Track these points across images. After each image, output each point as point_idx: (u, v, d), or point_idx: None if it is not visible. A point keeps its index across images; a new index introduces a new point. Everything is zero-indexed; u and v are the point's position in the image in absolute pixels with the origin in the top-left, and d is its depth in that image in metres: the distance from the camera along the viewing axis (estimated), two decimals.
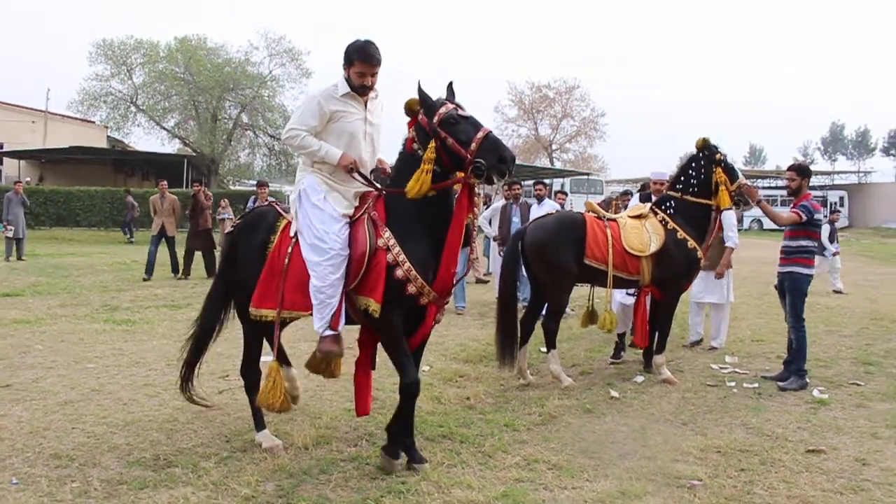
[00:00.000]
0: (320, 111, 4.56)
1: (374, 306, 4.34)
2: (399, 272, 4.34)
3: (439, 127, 4.30)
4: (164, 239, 15.14)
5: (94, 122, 38.91)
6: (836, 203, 46.93)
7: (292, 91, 38.12)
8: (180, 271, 15.01)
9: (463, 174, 4.28)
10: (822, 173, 57.62)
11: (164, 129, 37.18)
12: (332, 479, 4.40)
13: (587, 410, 6.01)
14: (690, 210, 7.03)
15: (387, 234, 4.40)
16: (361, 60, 4.52)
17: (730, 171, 7.07)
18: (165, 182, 16.06)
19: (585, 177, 42.18)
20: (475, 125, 4.29)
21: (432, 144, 4.31)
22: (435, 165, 4.31)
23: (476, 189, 4.54)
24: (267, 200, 12.50)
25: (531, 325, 7.19)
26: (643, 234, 6.85)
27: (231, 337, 8.64)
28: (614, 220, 7.03)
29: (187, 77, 35.20)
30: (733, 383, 6.95)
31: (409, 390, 4.52)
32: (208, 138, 35.15)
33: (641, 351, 7.58)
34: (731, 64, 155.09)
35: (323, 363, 4.73)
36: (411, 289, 4.36)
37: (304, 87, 37.52)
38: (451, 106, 4.35)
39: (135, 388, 6.29)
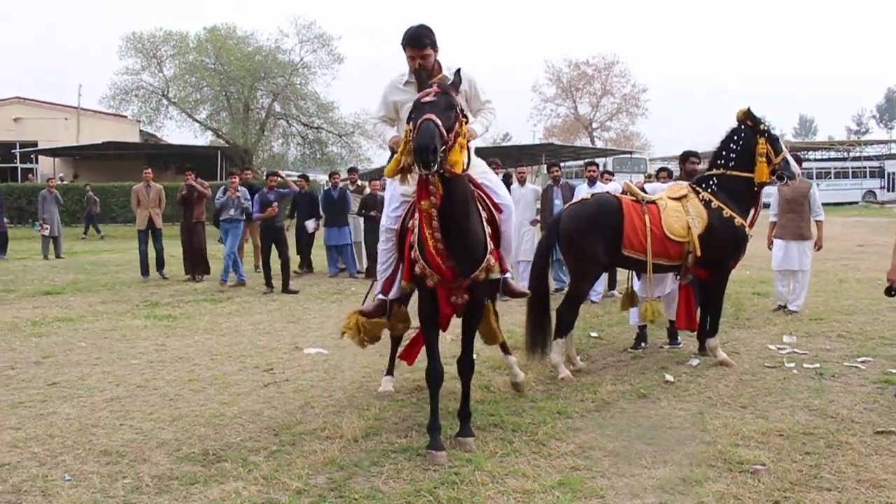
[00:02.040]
0: (384, 102, 5.09)
1: (404, 284, 4.93)
2: (413, 253, 4.73)
3: (410, 113, 4.35)
4: (150, 232, 13.95)
5: (126, 117, 39.54)
6: (894, 174, 45.88)
7: (324, 77, 38.29)
8: (186, 272, 13.80)
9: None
10: (879, 142, 56.24)
11: (196, 121, 37.58)
12: (383, 471, 4.42)
13: (642, 395, 5.96)
14: (735, 185, 6.90)
15: (416, 216, 4.66)
16: (408, 45, 4.84)
17: (774, 143, 6.95)
18: (150, 170, 14.74)
19: (628, 155, 41.73)
20: (421, 112, 4.19)
21: (407, 128, 4.36)
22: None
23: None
24: (237, 193, 12.74)
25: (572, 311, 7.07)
26: (684, 217, 6.68)
27: (273, 330, 8.82)
28: (653, 202, 6.81)
29: (218, 67, 35.47)
30: (793, 364, 6.83)
31: (427, 377, 4.91)
32: (241, 129, 35.40)
33: (695, 333, 7.47)
34: (777, 33, 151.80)
35: (356, 321, 5.41)
36: (417, 269, 4.70)
37: (335, 72, 37.63)
38: (427, 91, 4.33)
39: (180, 384, 6.39)
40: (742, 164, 6.88)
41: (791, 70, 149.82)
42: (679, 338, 7.83)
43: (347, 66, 43.59)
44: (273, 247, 12.24)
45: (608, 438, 4.97)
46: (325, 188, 15.99)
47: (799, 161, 7.55)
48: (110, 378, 6.60)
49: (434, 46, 4.90)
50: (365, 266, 14.36)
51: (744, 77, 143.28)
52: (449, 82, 4.48)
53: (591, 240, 6.54)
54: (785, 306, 9.59)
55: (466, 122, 4.53)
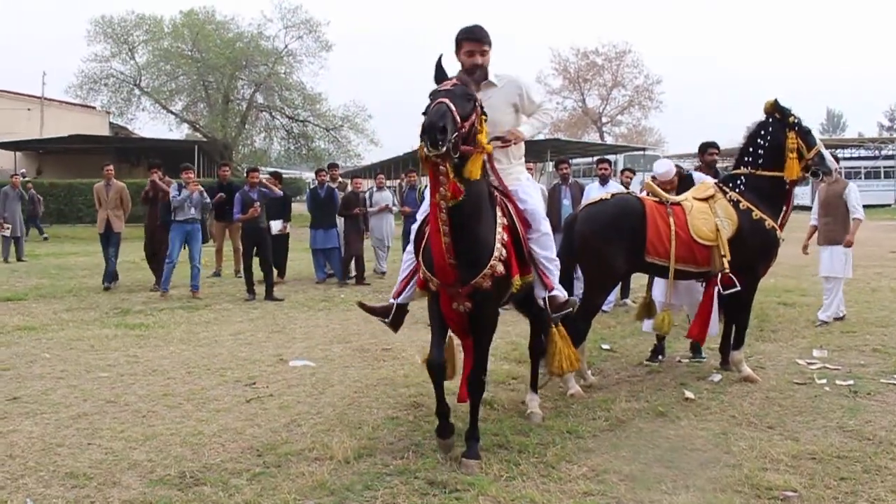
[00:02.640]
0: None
1: (417, 291, 5.20)
2: (419, 257, 4.96)
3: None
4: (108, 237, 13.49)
5: (94, 108, 39.56)
6: None
7: (311, 66, 38.54)
8: (113, 280, 13.47)
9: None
10: None
11: (171, 112, 37.72)
12: (377, 497, 4.38)
13: (660, 414, 5.93)
14: (764, 184, 6.87)
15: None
16: (465, 39, 5.08)
17: (805, 136, 6.91)
18: (111, 166, 14.15)
19: (641, 152, 41.75)
20: (436, 97, 4.33)
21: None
22: None
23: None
24: (197, 187, 12.34)
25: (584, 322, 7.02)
26: (712, 219, 6.65)
27: (255, 340, 8.78)
28: (678, 203, 6.79)
29: (195, 55, 35.58)
30: (824, 380, 6.80)
31: (427, 367, 5.03)
32: (220, 122, 35.50)
33: (717, 347, 7.43)
34: (802, 23, 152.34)
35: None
36: (421, 273, 4.92)
37: (323, 61, 37.84)
38: (445, 84, 4.48)
39: (153, 399, 6.34)
40: (771, 161, 6.84)
41: (819, 62, 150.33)
42: (703, 352, 7.79)
43: (336, 54, 43.54)
44: (256, 250, 12.20)
45: (624, 461, 4.93)
46: (311, 187, 15.96)
47: (836, 160, 7.54)
48: (77, 393, 6.54)
49: (490, 44, 5.17)
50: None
51: (767, 69, 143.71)
52: (470, 79, 4.61)
53: (610, 245, 6.48)
54: (840, 318, 9.63)
55: (486, 120, 4.65)
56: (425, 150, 4.19)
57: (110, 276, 13.35)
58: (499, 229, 4.83)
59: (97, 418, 5.83)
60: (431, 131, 4.10)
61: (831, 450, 5.11)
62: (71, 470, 4.75)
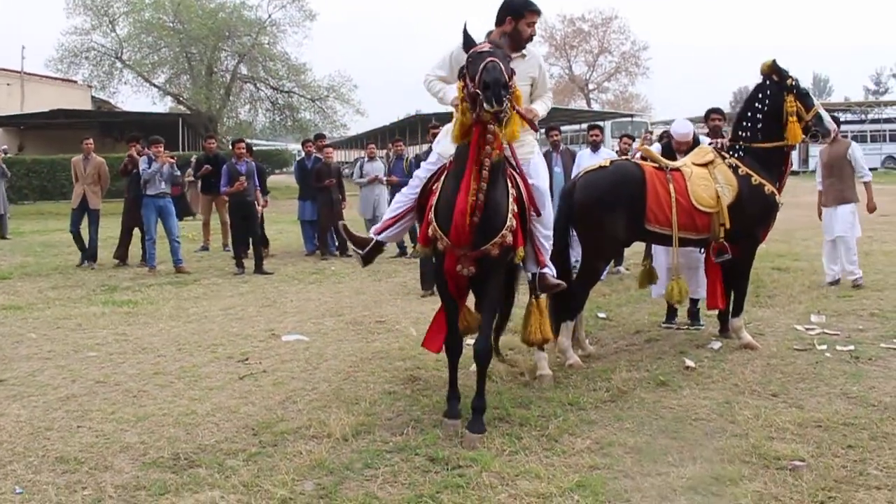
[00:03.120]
0: (450, 63, 5.31)
1: (419, 247, 5.17)
2: (430, 215, 4.94)
3: (465, 68, 4.56)
4: (86, 213, 12.94)
5: (76, 82, 38.96)
6: None
7: (295, 37, 38.08)
8: (113, 255, 13.12)
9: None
10: None
11: (154, 85, 37.13)
12: (378, 475, 4.27)
13: (661, 383, 5.82)
14: (763, 150, 6.76)
15: (442, 179, 4.98)
16: (529, 10, 5.28)
17: (804, 98, 6.78)
18: (91, 140, 13.39)
19: (629, 119, 41.52)
20: (484, 58, 4.39)
21: (459, 85, 4.64)
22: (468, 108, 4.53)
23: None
24: (170, 159, 11.97)
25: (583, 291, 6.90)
26: (712, 185, 6.51)
27: (246, 315, 8.63)
28: (678, 169, 6.64)
29: (177, 26, 34.98)
30: (825, 346, 6.71)
31: (445, 348, 5.19)
32: (204, 94, 34.99)
33: (716, 313, 7.32)
34: None
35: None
36: (430, 231, 4.90)
37: (308, 31, 37.28)
38: (483, 46, 4.56)
39: (144, 378, 6.19)
40: (770, 126, 6.70)
41: (805, 26, 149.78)
42: (702, 319, 7.70)
43: (321, 23, 43.03)
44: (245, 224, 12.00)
45: (628, 433, 4.83)
46: (298, 158, 15.71)
47: (837, 122, 7.41)
48: (65, 373, 6.38)
49: None
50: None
51: (753, 34, 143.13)
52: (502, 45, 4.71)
53: (610, 213, 6.33)
54: (837, 282, 9.62)
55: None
56: (486, 106, 4.27)
57: (89, 255, 12.90)
58: (510, 199, 4.87)
59: (87, 399, 5.67)
60: (496, 87, 4.22)
61: (837, 417, 5.04)
62: (61, 454, 4.60)
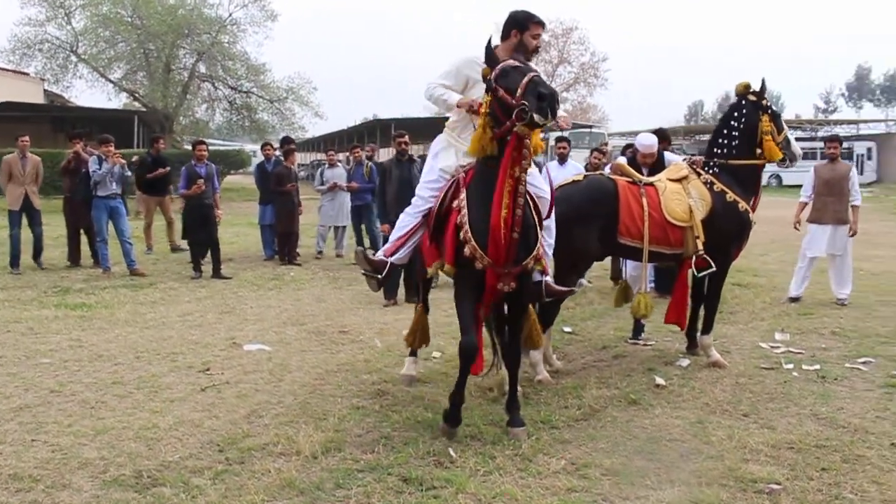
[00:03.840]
0: (456, 74, 5.39)
1: (447, 268, 5.07)
2: (462, 234, 4.90)
3: (495, 81, 4.64)
4: (25, 213, 12.16)
5: (28, 75, 37.91)
6: (863, 155, 46.93)
7: (255, 36, 37.57)
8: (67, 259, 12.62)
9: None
10: (848, 122, 57.52)
11: (109, 81, 36.31)
12: (350, 495, 4.12)
13: (632, 402, 5.76)
14: (738, 167, 6.77)
15: (462, 195, 4.99)
16: (535, 23, 5.30)
17: (776, 120, 6.86)
18: (27, 137, 12.47)
19: (588, 130, 41.74)
20: (523, 72, 4.54)
21: (486, 98, 4.72)
22: (492, 122, 4.69)
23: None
24: (120, 160, 11.61)
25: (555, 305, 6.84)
26: (685, 199, 6.50)
27: (205, 322, 8.40)
28: (651, 184, 6.64)
29: (135, 21, 34.26)
30: (791, 365, 6.73)
31: (462, 351, 4.98)
32: (161, 91, 34.31)
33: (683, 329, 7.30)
34: (741, 3, 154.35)
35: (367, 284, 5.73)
36: (467, 251, 4.85)
37: (268, 31, 36.84)
38: (512, 61, 4.70)
39: (101, 388, 5.95)
40: (745, 144, 6.74)
41: (757, 42, 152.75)
42: (643, 333, 7.71)
43: (282, 24, 42.61)
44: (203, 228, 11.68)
45: (603, 453, 4.75)
46: (259, 161, 15.39)
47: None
48: (17, 381, 6.10)
49: None
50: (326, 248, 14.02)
51: (707, 49, 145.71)
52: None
53: (584, 227, 6.30)
54: (797, 299, 9.74)
55: None
56: (536, 117, 4.36)
57: (37, 252, 12.39)
58: (532, 211, 5.06)
59: (41, 411, 5.41)
60: (552, 100, 4.40)
61: (809, 439, 5.02)
62: (14, 471, 4.35)
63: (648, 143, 7.85)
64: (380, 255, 5.55)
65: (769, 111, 6.77)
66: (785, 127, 6.94)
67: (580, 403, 5.69)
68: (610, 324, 8.46)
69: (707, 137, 59.38)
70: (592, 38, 69.07)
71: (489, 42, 4.90)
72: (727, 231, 6.59)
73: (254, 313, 8.97)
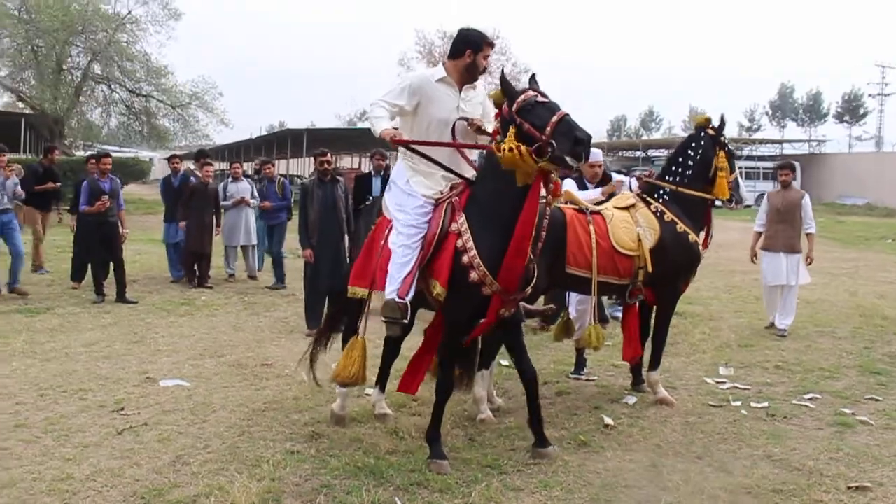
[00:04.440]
0: (409, 93, 5.44)
1: (438, 289, 5.17)
2: (465, 258, 5.07)
3: (517, 114, 4.88)
4: None
5: None
6: None
7: (157, 36, 36.58)
8: None
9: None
10: (772, 142, 59.71)
11: None
12: None
13: (582, 444, 5.81)
14: (688, 198, 6.94)
15: (461, 219, 5.16)
16: (489, 44, 5.55)
17: (730, 158, 7.11)
18: None
19: None
20: (552, 109, 4.82)
21: (511, 131, 4.87)
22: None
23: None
24: (11, 171, 11.26)
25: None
26: (633, 228, 6.60)
27: (113, 353, 8.13)
28: (598, 212, 6.72)
29: (23, 16, 33.19)
30: (738, 402, 6.90)
31: (440, 387, 5.40)
32: (51, 92, 33.25)
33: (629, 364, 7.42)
34: (668, 20, 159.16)
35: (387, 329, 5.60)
36: (474, 276, 5.04)
37: (171, 31, 36.10)
38: (531, 93, 4.94)
39: (3, 432, 5.67)
40: (698, 175, 6.92)
41: (681, 59, 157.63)
42: (585, 368, 7.80)
43: (185, 24, 41.91)
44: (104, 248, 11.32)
45: (559, 502, 4.78)
46: (165, 175, 14.92)
47: None
48: None
49: None
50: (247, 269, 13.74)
51: (631, 67, 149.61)
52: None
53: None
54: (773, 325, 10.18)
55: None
56: (570, 160, 4.71)
57: None
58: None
59: None
60: (587, 146, 4.72)
61: (765, 483, 5.15)
62: None
63: (594, 154, 7.93)
64: (393, 297, 5.34)
65: (725, 148, 6.99)
66: (736, 169, 7.18)
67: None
68: (547, 356, 8.51)
69: (631, 154, 60.62)
70: (514, 49, 69.80)
71: (503, 74, 5.39)
72: (676, 262, 6.72)
73: (166, 343, 8.72)
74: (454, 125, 5.44)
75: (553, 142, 4.67)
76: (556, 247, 6.35)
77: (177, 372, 7.48)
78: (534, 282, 5.36)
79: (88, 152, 20.06)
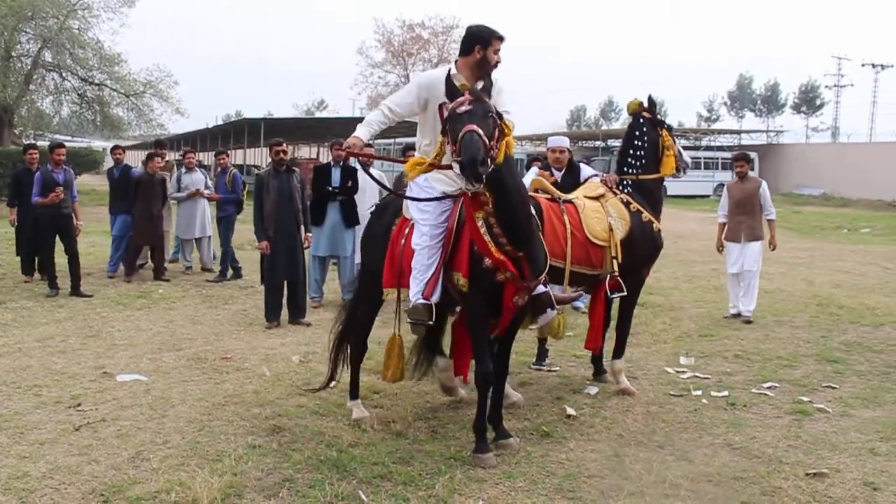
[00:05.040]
0: (416, 90, 5.56)
1: (462, 281, 5.25)
2: (486, 246, 5.07)
3: (445, 124, 4.94)
4: None
5: None
6: None
7: (110, 23, 35.94)
8: None
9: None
10: (730, 132, 60.39)
11: None
12: None
13: (545, 434, 5.86)
14: (648, 185, 7.10)
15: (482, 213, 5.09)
16: (497, 38, 5.49)
17: (670, 132, 7.28)
18: None
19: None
20: (464, 123, 4.68)
21: (440, 140, 5.02)
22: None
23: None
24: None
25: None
26: (605, 218, 6.66)
27: (69, 348, 8.04)
28: (570, 201, 6.76)
29: None
30: (699, 392, 7.01)
31: (481, 379, 5.37)
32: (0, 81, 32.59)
33: (591, 354, 7.50)
34: (627, 9, 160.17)
35: (412, 330, 5.61)
36: (487, 262, 5.09)
37: (125, 18, 35.51)
38: (460, 100, 4.83)
39: None
40: (651, 160, 7.11)
41: (642, 49, 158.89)
42: (546, 359, 7.88)
43: (139, 11, 41.32)
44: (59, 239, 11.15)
45: (523, 492, 4.82)
46: (109, 167, 14.58)
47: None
48: None
49: None
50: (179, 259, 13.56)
51: (590, 55, 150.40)
52: (480, 87, 5.02)
53: None
54: (739, 315, 10.43)
55: (501, 119, 4.94)
56: (465, 186, 4.85)
57: None
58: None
59: None
60: (473, 167, 4.53)
61: (725, 470, 5.25)
62: None
63: (559, 140, 8.33)
64: (419, 299, 5.37)
65: (664, 125, 7.17)
66: (676, 141, 7.39)
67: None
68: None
69: (591, 144, 60.83)
70: None
71: (448, 74, 5.18)
72: (642, 252, 6.83)
73: (123, 337, 8.63)
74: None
75: (462, 161, 4.60)
76: None
77: (134, 366, 7.41)
78: (547, 267, 5.46)
79: (27, 142, 19.47)
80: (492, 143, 4.70)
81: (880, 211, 37.73)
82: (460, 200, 5.37)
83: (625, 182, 7.02)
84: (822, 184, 47.28)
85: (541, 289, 5.50)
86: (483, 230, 5.05)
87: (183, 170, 13.88)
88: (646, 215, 6.85)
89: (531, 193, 6.80)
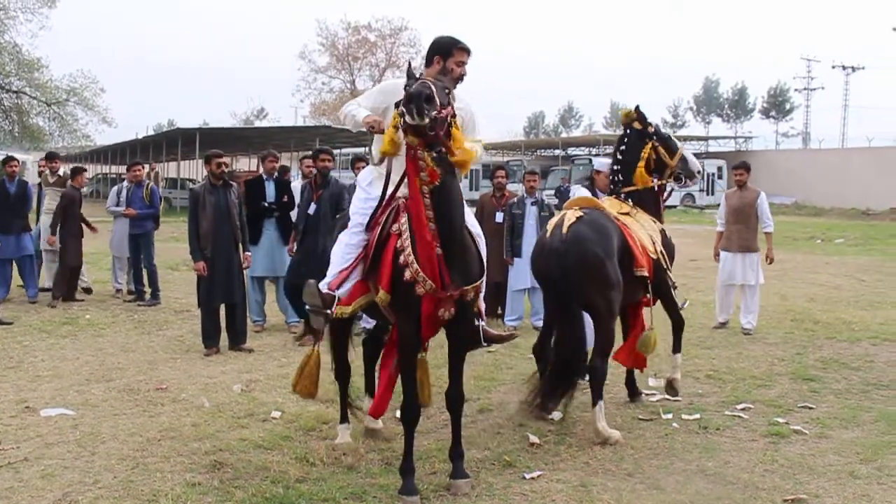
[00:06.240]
0: (378, 94, 5.84)
1: (381, 294, 5.30)
2: (401, 258, 5.19)
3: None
4: None
5: None
6: (713, 174, 50.10)
7: (28, 25, 35.59)
8: None
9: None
10: (697, 138, 61.28)
11: None
12: None
13: (507, 464, 5.88)
14: (645, 195, 7.42)
15: (403, 220, 5.28)
16: (460, 48, 5.62)
17: (666, 142, 7.47)
18: None
19: (587, 160, 42.21)
20: (414, 81, 4.87)
21: (395, 113, 4.98)
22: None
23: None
24: None
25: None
26: (646, 232, 7.04)
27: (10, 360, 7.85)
28: (617, 217, 7.07)
29: None
30: (670, 415, 7.08)
31: (405, 412, 5.43)
32: None
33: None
34: (587, 7, 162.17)
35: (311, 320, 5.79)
36: (407, 274, 5.13)
37: (45, 20, 35.16)
38: (428, 80, 4.89)
39: None
40: (633, 175, 7.41)
41: (602, 49, 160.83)
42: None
43: (61, 12, 40.90)
44: None
45: None
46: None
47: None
48: None
49: None
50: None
51: (546, 59, 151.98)
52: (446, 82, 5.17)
53: (613, 264, 6.55)
54: (724, 324, 11.02)
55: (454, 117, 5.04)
56: (407, 118, 4.67)
57: None
58: (480, 248, 5.47)
59: None
60: (417, 99, 4.59)
61: (699, 499, 5.32)
62: None
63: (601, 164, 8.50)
64: (324, 288, 5.57)
65: (654, 136, 7.36)
66: (680, 146, 7.58)
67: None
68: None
69: (550, 153, 61.38)
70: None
71: (409, 65, 5.31)
72: (669, 256, 7.39)
73: (47, 368, 8.50)
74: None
75: (403, 109, 4.71)
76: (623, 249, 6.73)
77: (60, 400, 7.30)
78: (476, 283, 5.35)
79: None
80: (441, 109, 4.75)
81: (854, 220, 38.60)
82: (388, 210, 5.52)
83: (623, 196, 7.40)
84: (793, 192, 48.18)
85: (480, 322, 5.65)
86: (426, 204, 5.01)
87: (125, 184, 13.62)
88: (658, 224, 7.30)
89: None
